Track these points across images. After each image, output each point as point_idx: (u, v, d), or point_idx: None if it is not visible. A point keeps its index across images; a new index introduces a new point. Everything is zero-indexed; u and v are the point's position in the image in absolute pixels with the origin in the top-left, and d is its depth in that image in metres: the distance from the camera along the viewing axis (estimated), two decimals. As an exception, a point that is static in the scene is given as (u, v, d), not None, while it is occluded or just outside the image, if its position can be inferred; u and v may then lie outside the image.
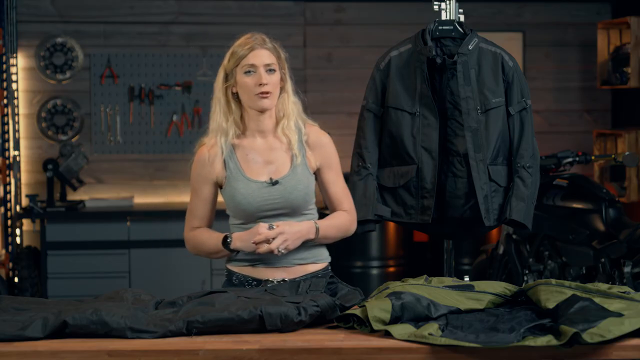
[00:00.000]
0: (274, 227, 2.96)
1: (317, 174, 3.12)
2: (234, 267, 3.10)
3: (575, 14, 6.99)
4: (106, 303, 2.67)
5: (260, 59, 3.00)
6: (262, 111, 3.04)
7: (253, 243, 2.96)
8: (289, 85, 3.10)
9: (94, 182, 6.71)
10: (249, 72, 3.00)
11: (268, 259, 3.04)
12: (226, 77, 3.07)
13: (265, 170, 3.05)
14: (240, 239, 3.01)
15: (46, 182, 6.38)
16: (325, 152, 3.12)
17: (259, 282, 3.04)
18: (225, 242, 3.03)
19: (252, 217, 3.03)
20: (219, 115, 3.09)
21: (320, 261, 3.10)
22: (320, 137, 3.12)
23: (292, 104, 3.09)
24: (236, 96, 3.07)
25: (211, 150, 3.08)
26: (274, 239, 2.95)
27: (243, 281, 3.07)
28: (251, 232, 2.98)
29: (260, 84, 2.99)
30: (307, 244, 3.05)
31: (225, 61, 3.06)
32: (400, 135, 3.68)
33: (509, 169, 3.68)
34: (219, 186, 3.09)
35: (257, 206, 3.01)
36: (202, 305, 2.65)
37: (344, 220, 3.13)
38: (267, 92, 3.00)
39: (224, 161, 3.06)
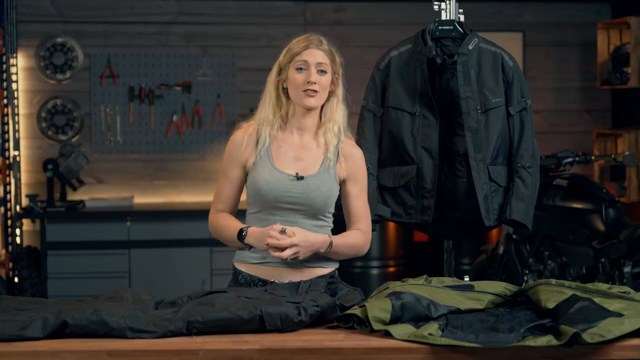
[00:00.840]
0: (287, 232, 2.95)
1: (342, 185, 3.12)
2: (241, 266, 3.10)
3: (575, 14, 6.99)
4: (106, 303, 2.67)
5: (314, 58, 3.03)
6: (307, 109, 3.06)
7: (266, 245, 2.97)
8: (340, 91, 3.11)
9: (94, 182, 6.71)
10: (301, 69, 3.03)
11: (275, 259, 3.04)
12: (279, 72, 3.09)
13: (294, 166, 3.06)
14: (254, 236, 3.02)
15: (46, 182, 6.39)
16: (355, 166, 3.13)
17: (265, 282, 3.03)
18: (240, 235, 3.04)
19: (269, 206, 3.04)
20: (267, 107, 3.09)
21: (328, 266, 3.10)
22: (353, 151, 3.14)
23: (340, 110, 3.11)
24: (286, 91, 3.08)
25: (247, 134, 3.10)
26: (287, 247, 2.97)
27: (249, 281, 3.06)
28: (264, 232, 2.98)
29: (309, 82, 3.01)
30: None
31: (281, 57, 3.09)
32: (400, 135, 3.68)
33: (509, 169, 3.68)
34: (246, 172, 3.10)
35: (277, 195, 3.02)
36: (202, 305, 2.65)
37: (357, 239, 3.13)
38: (314, 91, 3.02)
39: (257, 147, 3.07)
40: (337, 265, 3.14)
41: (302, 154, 3.08)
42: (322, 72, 3.04)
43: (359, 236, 3.13)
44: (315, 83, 3.01)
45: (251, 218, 3.10)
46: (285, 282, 2.99)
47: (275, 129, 3.08)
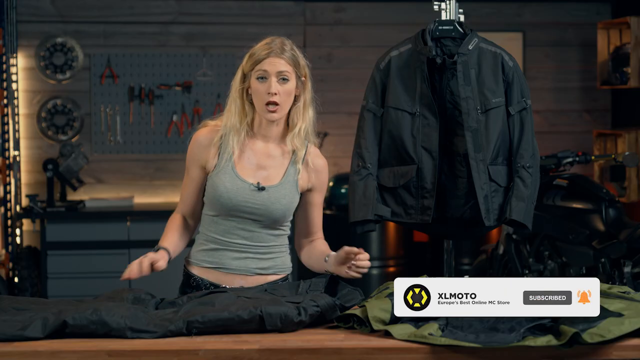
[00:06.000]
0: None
1: (306, 194, 3.07)
2: (193, 269, 3.08)
3: (575, 14, 6.99)
4: (106, 303, 2.67)
5: (274, 67, 2.93)
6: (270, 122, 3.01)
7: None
8: (308, 94, 3.02)
9: (94, 182, 6.71)
10: (261, 78, 2.94)
11: (229, 264, 3.02)
12: (243, 78, 3.00)
13: (255, 174, 3.00)
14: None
15: (46, 182, 6.38)
16: (322, 177, 3.08)
17: (217, 287, 3.00)
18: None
19: (226, 213, 2.99)
20: (234, 116, 3.00)
21: (281, 272, 3.07)
22: (320, 161, 3.08)
23: (307, 114, 3.02)
24: (250, 98, 3.01)
25: (214, 138, 3.02)
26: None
27: (201, 284, 3.04)
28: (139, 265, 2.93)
29: (269, 93, 2.93)
30: (270, 255, 3.04)
31: (244, 62, 3.00)
32: (400, 135, 3.68)
33: (509, 169, 3.69)
34: (206, 173, 3.04)
35: (236, 204, 2.96)
36: (202, 305, 2.65)
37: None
38: (275, 104, 2.93)
39: (219, 150, 3.01)
40: (290, 271, 3.11)
41: (265, 162, 3.02)
42: (284, 80, 2.94)
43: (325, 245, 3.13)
44: (276, 94, 2.93)
45: (207, 219, 3.05)
46: (237, 287, 2.95)
47: (242, 137, 3.00)
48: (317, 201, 3.10)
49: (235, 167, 3.00)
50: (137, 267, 2.89)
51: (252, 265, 3.02)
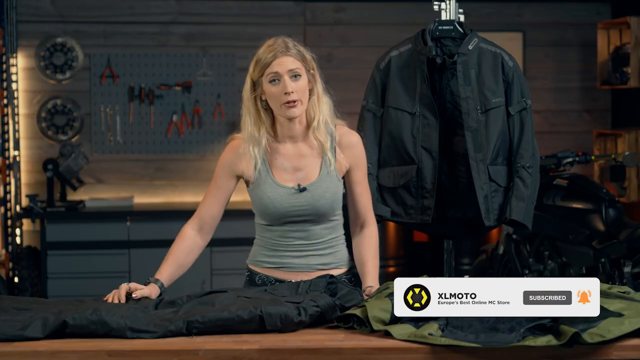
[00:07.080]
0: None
1: (346, 176, 3.09)
2: (257, 268, 3.11)
3: (575, 14, 6.99)
4: (106, 303, 2.68)
5: (284, 66, 2.94)
6: (291, 119, 3.00)
7: None
8: (319, 86, 3.04)
9: (94, 182, 6.71)
10: (274, 80, 2.95)
11: (291, 263, 3.05)
12: (254, 86, 3.01)
13: (294, 177, 3.02)
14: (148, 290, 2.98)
15: (46, 182, 6.39)
16: (356, 152, 3.08)
17: (282, 282, 3.03)
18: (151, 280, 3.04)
19: (278, 221, 3.03)
20: (250, 126, 3.02)
21: (342, 266, 3.10)
22: (351, 137, 3.08)
23: (323, 105, 3.04)
24: (266, 104, 3.01)
25: (243, 147, 3.03)
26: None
27: (266, 282, 3.07)
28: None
29: (286, 93, 2.94)
30: (329, 249, 3.07)
31: (251, 70, 3.01)
32: (400, 135, 3.68)
33: (509, 169, 3.69)
34: (244, 182, 3.06)
35: (284, 211, 3.00)
36: (202, 305, 2.65)
37: (376, 242, 3.11)
38: (294, 101, 2.94)
39: (255, 162, 3.01)
40: (351, 265, 3.13)
41: (299, 162, 3.03)
42: (297, 76, 2.95)
43: (375, 237, 3.11)
44: (293, 92, 2.93)
45: (260, 227, 3.09)
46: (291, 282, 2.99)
47: (264, 145, 3.01)
48: (358, 178, 3.10)
49: (273, 175, 3.02)
50: (117, 297, 2.86)
51: (314, 262, 3.05)
